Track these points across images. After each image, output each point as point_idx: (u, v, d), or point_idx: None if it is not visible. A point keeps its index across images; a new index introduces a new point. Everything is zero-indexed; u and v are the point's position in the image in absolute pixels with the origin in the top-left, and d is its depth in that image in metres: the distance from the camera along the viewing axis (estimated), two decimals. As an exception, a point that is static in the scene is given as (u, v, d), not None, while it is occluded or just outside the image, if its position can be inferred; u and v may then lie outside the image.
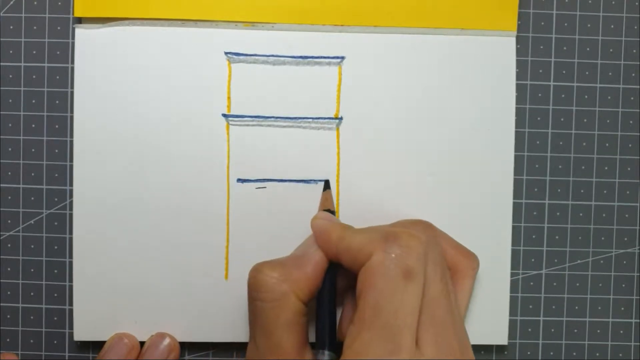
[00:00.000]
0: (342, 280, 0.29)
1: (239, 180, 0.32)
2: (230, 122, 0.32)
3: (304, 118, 0.32)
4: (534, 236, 0.33)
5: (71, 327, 0.32)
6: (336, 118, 0.32)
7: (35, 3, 0.32)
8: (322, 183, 0.32)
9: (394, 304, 0.24)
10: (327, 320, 0.28)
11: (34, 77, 0.32)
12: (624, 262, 0.34)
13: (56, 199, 0.32)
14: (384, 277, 0.24)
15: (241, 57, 0.32)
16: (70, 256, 0.32)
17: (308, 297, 0.27)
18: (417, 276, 0.25)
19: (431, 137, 0.32)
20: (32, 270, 0.32)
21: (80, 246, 0.31)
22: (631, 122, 0.33)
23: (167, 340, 0.31)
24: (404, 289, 0.24)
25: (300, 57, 0.32)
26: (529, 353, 0.33)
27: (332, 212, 0.31)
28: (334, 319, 0.28)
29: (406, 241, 0.25)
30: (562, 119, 0.33)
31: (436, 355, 0.24)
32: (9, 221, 0.32)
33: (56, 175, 0.32)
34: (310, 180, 0.32)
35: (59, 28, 0.32)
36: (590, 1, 0.33)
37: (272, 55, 0.32)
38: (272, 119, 0.32)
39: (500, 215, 0.32)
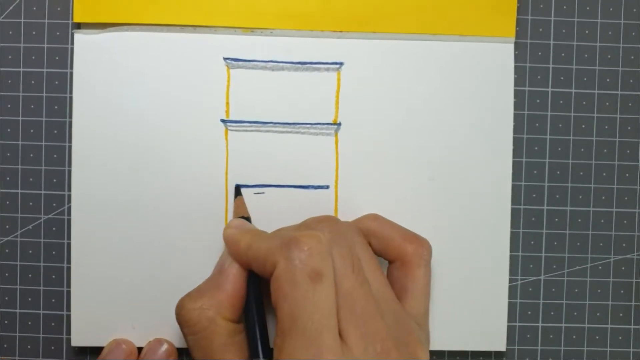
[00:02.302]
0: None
1: (237, 185, 0.32)
2: (229, 128, 0.32)
3: (302, 124, 0.32)
4: (532, 242, 0.33)
5: (69, 332, 0.32)
6: (335, 124, 0.32)
7: (34, 8, 0.32)
8: (322, 189, 0.32)
9: (307, 309, 0.24)
10: (257, 329, 0.27)
11: (32, 82, 0.32)
12: (623, 268, 0.34)
13: (54, 204, 0.32)
14: (292, 284, 0.24)
15: (240, 63, 0.32)
16: (69, 261, 0.32)
17: (236, 314, 0.27)
18: (324, 275, 0.24)
19: (430, 142, 0.32)
20: (30, 275, 0.32)
21: (79, 251, 0.31)
22: (629, 128, 0.33)
23: (165, 346, 0.31)
24: (313, 292, 0.24)
25: (299, 62, 0.32)
26: (527, 359, 0.33)
27: (248, 218, 0.30)
28: (264, 326, 0.28)
29: (307, 244, 0.25)
30: (560, 125, 0.33)
31: (363, 345, 0.24)
32: (7, 226, 0.32)
33: (55, 180, 0.32)
34: (309, 186, 0.32)
35: (58, 33, 0.32)
36: (588, 8, 0.33)
37: (271, 61, 0.32)
38: (271, 124, 0.32)
39: (499, 221, 0.32)
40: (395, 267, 0.29)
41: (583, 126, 0.33)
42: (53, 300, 0.32)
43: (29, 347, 0.32)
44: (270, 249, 0.26)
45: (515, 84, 0.33)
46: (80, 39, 0.31)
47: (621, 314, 0.34)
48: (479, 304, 0.32)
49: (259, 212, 0.32)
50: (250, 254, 0.27)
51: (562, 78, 0.33)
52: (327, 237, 0.26)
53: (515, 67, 0.32)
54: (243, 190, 0.32)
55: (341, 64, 0.32)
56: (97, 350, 0.32)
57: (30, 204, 0.32)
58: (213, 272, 0.29)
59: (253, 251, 0.27)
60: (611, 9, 0.33)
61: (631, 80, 0.33)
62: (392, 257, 0.29)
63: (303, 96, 0.32)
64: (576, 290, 0.33)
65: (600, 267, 0.33)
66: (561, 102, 0.33)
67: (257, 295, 0.28)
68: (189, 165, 0.32)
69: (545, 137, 0.33)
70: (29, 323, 0.32)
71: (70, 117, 0.32)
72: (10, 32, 0.32)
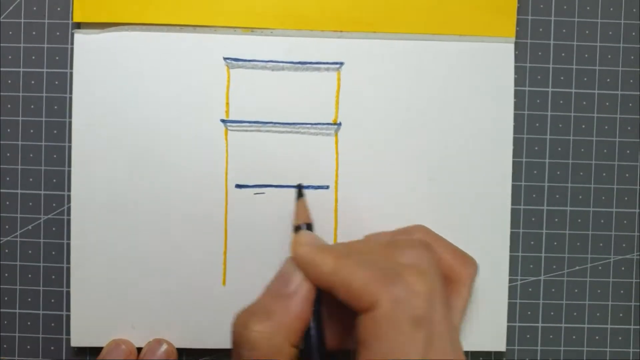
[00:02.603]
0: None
1: (237, 185, 0.32)
2: (229, 128, 0.32)
3: (302, 124, 0.32)
4: (532, 242, 0.33)
5: (68, 333, 0.32)
6: (335, 124, 0.32)
7: (34, 8, 0.32)
8: (322, 189, 0.32)
9: (403, 354, 0.23)
10: (316, 350, 0.26)
11: (32, 82, 0.32)
12: (623, 268, 0.34)
13: (54, 205, 0.32)
14: (394, 328, 0.23)
15: (240, 63, 0.32)
16: (68, 262, 0.32)
17: (300, 339, 0.25)
18: (427, 321, 0.23)
19: (430, 142, 0.32)
20: (29, 275, 0.32)
21: (78, 252, 0.31)
22: (629, 128, 0.33)
23: (164, 346, 0.31)
24: (412, 338, 0.23)
25: (299, 62, 0.32)
26: (527, 359, 0.33)
27: (311, 225, 0.28)
28: (323, 347, 0.26)
29: (414, 284, 0.23)
30: (560, 125, 0.33)
31: None
32: (7, 226, 0.32)
33: (54, 180, 0.32)
34: (309, 186, 0.32)
35: (58, 33, 0.32)
36: (588, 8, 0.33)
37: (271, 61, 0.32)
38: (271, 124, 0.32)
39: (499, 221, 0.32)
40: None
41: (583, 126, 0.33)
42: (53, 301, 0.32)
43: (28, 347, 0.32)
44: (368, 280, 0.23)
45: (516, 84, 0.33)
46: (80, 39, 0.31)
47: (621, 314, 0.34)
48: (479, 304, 0.32)
49: (259, 212, 0.32)
50: (337, 279, 0.24)
51: (562, 78, 0.33)
52: (429, 274, 0.24)
53: (516, 67, 0.32)
54: (242, 190, 0.32)
55: (341, 63, 0.32)
56: (97, 350, 0.32)
57: (30, 204, 0.32)
58: (275, 287, 0.26)
59: (342, 278, 0.24)
60: (611, 9, 0.33)
61: (631, 80, 0.33)
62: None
63: (303, 96, 0.32)
64: (576, 291, 0.33)
65: (600, 268, 0.33)
66: (561, 102, 0.33)
67: (319, 321, 0.26)
68: (189, 165, 0.32)
69: (545, 137, 0.33)
70: (29, 323, 0.32)
71: (70, 117, 0.32)
72: (10, 32, 0.32)
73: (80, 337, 0.31)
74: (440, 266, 0.26)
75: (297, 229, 0.28)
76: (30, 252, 0.32)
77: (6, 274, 0.32)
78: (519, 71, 0.33)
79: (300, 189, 0.30)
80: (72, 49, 0.32)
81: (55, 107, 0.32)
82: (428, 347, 0.23)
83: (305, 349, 0.26)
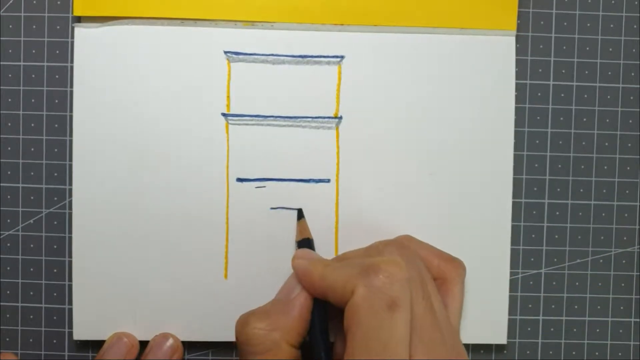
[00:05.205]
0: (332, 310, 0.29)
1: (238, 179, 0.32)
2: (230, 122, 0.32)
3: (303, 117, 0.32)
4: (533, 235, 0.33)
5: (71, 326, 0.32)
6: (336, 117, 0.32)
7: (34, 2, 0.32)
8: (323, 183, 0.32)
9: (382, 338, 0.24)
10: (323, 356, 0.28)
11: (33, 76, 0.32)
12: (623, 261, 0.34)
13: (55, 198, 0.32)
14: (369, 312, 0.24)
15: (241, 57, 0.32)
16: (70, 255, 0.32)
17: (299, 341, 0.27)
18: (402, 304, 0.24)
19: (430, 136, 0.32)
20: (31, 269, 0.32)
21: (80, 245, 0.31)
22: (630, 121, 0.33)
23: (170, 341, 0.31)
24: (390, 321, 0.24)
25: (300, 56, 0.32)
26: (528, 352, 0.33)
27: (311, 241, 0.31)
28: (330, 353, 0.28)
29: (387, 271, 0.25)
30: (561, 118, 0.33)
31: None
32: (9, 220, 0.32)
33: (55, 174, 0.32)
34: (310, 179, 0.32)
35: (58, 27, 0.32)
36: (589, 0, 0.33)
37: (272, 55, 0.32)
38: (272, 118, 0.32)
39: (500, 214, 0.32)
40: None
41: (584, 119, 0.33)
42: (55, 294, 0.32)
43: (30, 340, 0.32)
44: (348, 276, 0.25)
45: (517, 77, 0.33)
46: (81, 32, 0.31)
47: (622, 307, 0.34)
48: (480, 297, 0.32)
49: (260, 205, 0.32)
50: (324, 283, 0.27)
51: (563, 71, 0.33)
52: (404, 264, 0.26)
53: (517, 60, 0.32)
54: (243, 183, 0.32)
55: (342, 57, 0.32)
56: (99, 344, 0.32)
57: (32, 198, 0.32)
58: (278, 297, 0.29)
59: (328, 280, 0.27)
60: (613, 2, 0.33)
61: (632, 73, 0.33)
62: (432, 276, 0.29)
63: (304, 90, 0.32)
64: (577, 284, 0.33)
65: (601, 261, 0.33)
66: (562, 95, 0.33)
67: (323, 324, 0.28)
68: (190, 159, 0.32)
69: (547, 130, 0.33)
70: (31, 317, 0.32)
71: (71, 111, 0.32)
72: (11, 26, 0.32)
73: (82, 330, 0.32)
74: (427, 268, 0.28)
75: (299, 244, 0.31)
76: (32, 245, 0.32)
77: (8, 268, 0.32)
78: (520, 64, 0.33)
79: (300, 211, 0.32)
80: (72, 42, 0.32)
81: (56, 100, 0.32)
82: (412, 332, 0.25)
83: (313, 350, 0.28)
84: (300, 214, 0.32)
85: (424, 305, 0.26)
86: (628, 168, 0.33)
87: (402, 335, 0.24)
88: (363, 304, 0.24)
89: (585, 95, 0.33)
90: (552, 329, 0.33)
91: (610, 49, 0.33)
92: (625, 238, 0.34)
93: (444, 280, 0.29)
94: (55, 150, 0.32)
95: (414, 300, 0.25)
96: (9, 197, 0.32)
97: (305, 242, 0.31)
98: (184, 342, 0.32)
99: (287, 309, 0.28)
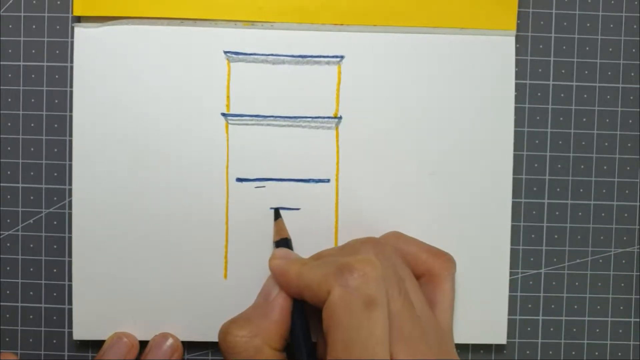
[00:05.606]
0: (313, 310, 0.28)
1: (238, 179, 0.32)
2: (230, 122, 0.32)
3: (303, 117, 0.32)
4: (533, 235, 0.33)
5: (70, 326, 0.32)
6: (335, 117, 0.32)
7: (34, 2, 0.32)
8: (322, 183, 0.32)
9: (361, 337, 0.24)
10: (305, 357, 0.27)
11: (33, 76, 0.32)
12: (623, 261, 0.34)
13: (55, 198, 0.32)
14: (347, 311, 0.24)
15: (240, 56, 0.32)
16: (70, 255, 0.32)
17: (282, 344, 0.27)
18: (379, 302, 0.24)
19: (430, 136, 0.32)
20: (31, 269, 0.32)
21: (80, 245, 0.31)
22: (630, 121, 0.33)
23: (170, 341, 0.31)
24: (368, 319, 0.24)
25: (300, 56, 0.32)
26: (528, 352, 0.33)
27: (288, 240, 0.30)
28: (313, 353, 0.28)
29: (361, 270, 0.25)
30: (561, 118, 0.33)
31: None
32: (8, 220, 0.32)
33: (55, 174, 0.32)
34: (310, 179, 0.32)
35: (58, 27, 0.32)
36: (589, 0, 0.33)
37: (272, 55, 0.32)
38: (272, 118, 0.32)
39: (500, 214, 0.32)
40: (423, 282, 0.29)
41: (584, 119, 0.33)
42: (54, 294, 0.32)
43: (30, 340, 0.32)
44: (324, 276, 0.25)
45: (516, 77, 0.33)
46: (81, 32, 0.31)
47: (621, 307, 0.34)
48: (479, 297, 0.32)
49: (260, 205, 0.32)
50: (301, 282, 0.27)
51: (563, 71, 0.33)
52: (378, 263, 0.26)
53: (517, 60, 0.32)
54: (243, 183, 0.32)
55: (342, 57, 0.32)
56: (99, 343, 0.32)
57: (31, 198, 0.32)
58: (257, 301, 0.29)
59: (304, 280, 0.26)
60: (612, 2, 0.33)
61: (632, 73, 0.33)
62: (420, 272, 0.30)
63: (304, 90, 0.32)
64: (577, 284, 0.33)
65: (600, 261, 0.33)
66: (562, 95, 0.33)
67: (303, 324, 0.28)
68: (189, 159, 0.32)
69: (546, 130, 0.33)
70: (31, 317, 0.32)
71: (71, 111, 0.32)
72: (10, 26, 0.32)
73: (82, 330, 0.32)
74: (415, 264, 0.29)
75: (277, 244, 0.30)
76: (31, 245, 0.32)
77: (8, 268, 0.32)
78: (519, 64, 0.33)
79: (277, 210, 0.32)
80: (72, 42, 0.32)
81: (56, 100, 0.32)
82: (391, 329, 0.25)
83: (295, 351, 0.28)
84: (277, 214, 0.31)
85: (401, 302, 0.26)
86: (628, 168, 0.33)
87: (381, 333, 0.24)
88: (340, 303, 0.24)
89: (585, 95, 0.33)
90: (551, 329, 0.33)
91: (610, 49, 0.33)
92: (625, 238, 0.34)
93: (432, 275, 0.29)
94: (55, 150, 0.32)
95: (390, 297, 0.25)
96: (9, 197, 0.32)
97: (283, 242, 0.30)
98: (183, 342, 0.32)
99: (266, 312, 0.28)
